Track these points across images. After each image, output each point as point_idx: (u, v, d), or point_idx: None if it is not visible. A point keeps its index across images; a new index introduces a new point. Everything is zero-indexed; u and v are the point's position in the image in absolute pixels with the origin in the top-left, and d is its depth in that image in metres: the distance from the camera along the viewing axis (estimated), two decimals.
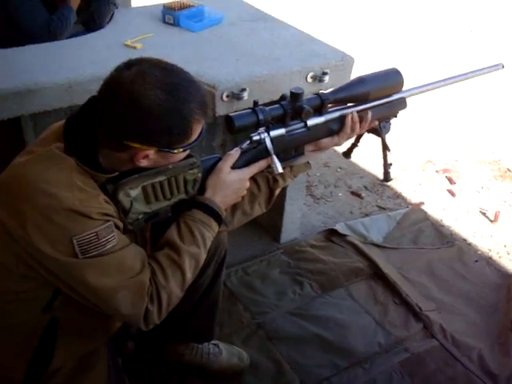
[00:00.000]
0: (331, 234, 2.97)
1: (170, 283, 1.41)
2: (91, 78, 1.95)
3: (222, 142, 2.76)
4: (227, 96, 2.03)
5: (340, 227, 2.99)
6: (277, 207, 2.75)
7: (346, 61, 2.30)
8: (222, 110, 2.05)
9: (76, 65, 2.08)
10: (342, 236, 2.94)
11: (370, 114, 1.69)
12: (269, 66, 2.18)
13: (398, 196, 3.40)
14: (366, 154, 3.60)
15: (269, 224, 2.92)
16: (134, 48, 2.25)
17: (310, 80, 2.23)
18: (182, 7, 2.55)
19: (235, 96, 2.04)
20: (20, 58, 2.11)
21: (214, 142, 2.74)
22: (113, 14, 2.68)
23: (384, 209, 3.26)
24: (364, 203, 3.32)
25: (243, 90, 2.05)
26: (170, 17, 2.52)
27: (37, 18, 2.55)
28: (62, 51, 2.22)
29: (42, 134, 1.44)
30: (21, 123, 2.18)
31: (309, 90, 2.06)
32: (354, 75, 1.83)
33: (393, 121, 1.82)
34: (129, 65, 1.27)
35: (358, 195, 3.38)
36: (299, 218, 2.92)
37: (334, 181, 3.52)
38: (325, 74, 2.23)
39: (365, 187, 3.47)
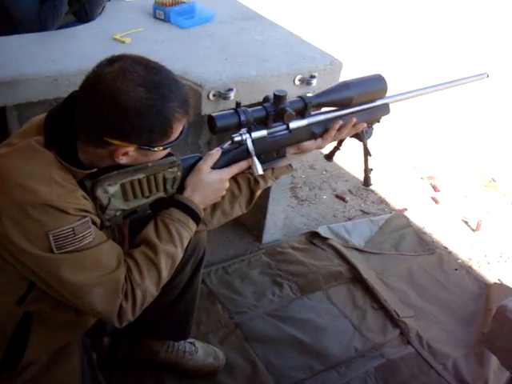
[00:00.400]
0: (313, 237, 2.97)
1: (145, 281, 1.40)
2: (77, 71, 1.94)
3: (208, 141, 2.76)
4: (213, 95, 2.03)
5: (322, 230, 2.99)
6: (260, 207, 2.75)
7: (335, 65, 2.31)
8: (207, 109, 2.04)
9: (63, 57, 2.07)
10: (323, 239, 2.95)
11: (354, 119, 1.69)
12: (257, 67, 2.18)
13: (381, 201, 3.41)
14: (352, 158, 3.61)
15: (251, 224, 2.91)
16: (123, 42, 2.25)
17: (297, 83, 2.23)
18: (174, 3, 2.55)
19: (222, 95, 2.03)
20: (7, 47, 2.10)
21: (200, 140, 2.73)
22: (104, 7, 2.66)
23: (367, 213, 3.27)
24: (348, 207, 3.32)
25: (230, 89, 2.04)
26: (160, 12, 2.52)
27: (27, 6, 2.53)
28: (50, 42, 2.21)
29: (23, 127, 1.43)
30: (5, 113, 2.16)
31: (296, 93, 2.05)
32: (341, 79, 1.84)
33: (380, 126, 1.83)
34: (111, 61, 1.26)
35: (342, 199, 3.38)
36: (282, 219, 2.91)
37: (319, 183, 3.52)
38: (313, 77, 2.23)
39: (349, 191, 3.48)
